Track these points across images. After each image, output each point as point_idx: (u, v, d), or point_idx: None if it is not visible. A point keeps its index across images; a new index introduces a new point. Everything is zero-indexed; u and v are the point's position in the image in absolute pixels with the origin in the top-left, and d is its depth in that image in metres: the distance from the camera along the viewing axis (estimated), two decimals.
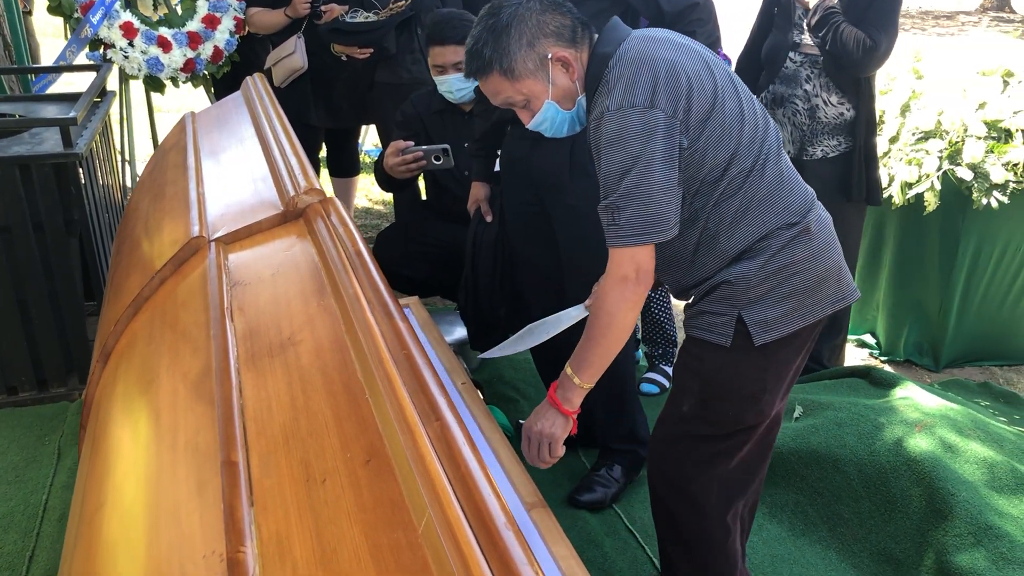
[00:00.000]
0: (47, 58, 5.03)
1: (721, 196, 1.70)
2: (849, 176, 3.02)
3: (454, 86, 2.92)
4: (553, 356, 2.30)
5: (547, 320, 2.07)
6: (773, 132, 1.77)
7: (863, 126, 2.99)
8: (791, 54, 3.03)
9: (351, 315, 1.40)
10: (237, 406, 1.27)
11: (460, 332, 3.31)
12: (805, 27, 2.98)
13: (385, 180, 3.03)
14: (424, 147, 2.78)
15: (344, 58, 3.79)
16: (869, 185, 3.06)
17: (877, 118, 3.11)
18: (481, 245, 2.80)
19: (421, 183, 3.65)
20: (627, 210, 1.63)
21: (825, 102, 2.99)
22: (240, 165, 2.13)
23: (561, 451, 1.82)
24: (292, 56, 3.79)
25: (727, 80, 1.71)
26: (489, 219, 2.76)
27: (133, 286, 1.84)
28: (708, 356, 1.80)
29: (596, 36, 1.75)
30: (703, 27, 2.54)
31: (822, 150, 3.04)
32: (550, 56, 1.70)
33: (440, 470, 1.02)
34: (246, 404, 1.28)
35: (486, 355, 2.20)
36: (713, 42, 2.59)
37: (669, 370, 3.34)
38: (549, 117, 1.77)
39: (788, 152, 3.06)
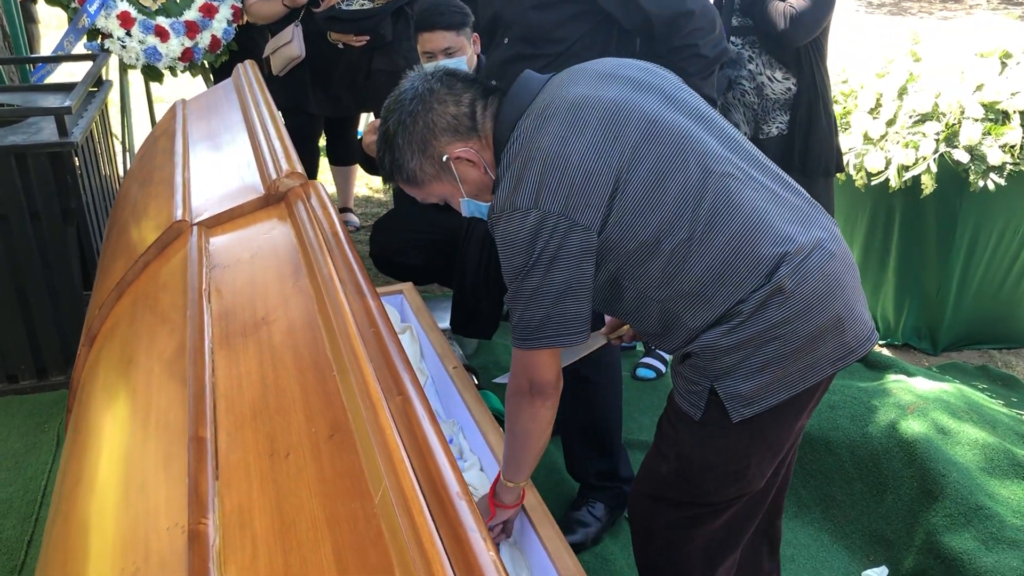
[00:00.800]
0: (48, 49, 5.06)
1: (664, 276, 1.47)
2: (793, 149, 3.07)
3: None
4: None
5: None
6: (717, 182, 1.46)
7: (803, 96, 3.03)
8: (732, 37, 3.08)
9: (324, 295, 1.41)
10: (209, 384, 1.29)
11: None
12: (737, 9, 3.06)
13: (365, 161, 3.01)
14: None
15: (341, 46, 3.81)
16: (816, 155, 3.09)
17: (827, 87, 3.12)
18: (471, 239, 2.80)
19: None
20: (516, 313, 1.50)
21: (770, 79, 3.05)
22: (227, 151, 2.15)
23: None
24: (290, 44, 3.80)
25: (644, 134, 1.46)
26: None
27: (118, 270, 1.86)
28: (683, 429, 1.59)
29: (504, 99, 1.56)
30: (705, 38, 2.37)
31: (776, 127, 3.10)
32: (446, 158, 1.53)
33: (399, 442, 1.03)
34: (218, 382, 1.29)
35: (498, 380, 2.06)
36: (720, 53, 2.41)
37: (667, 355, 3.35)
38: (474, 210, 1.61)
39: (744, 132, 3.10)
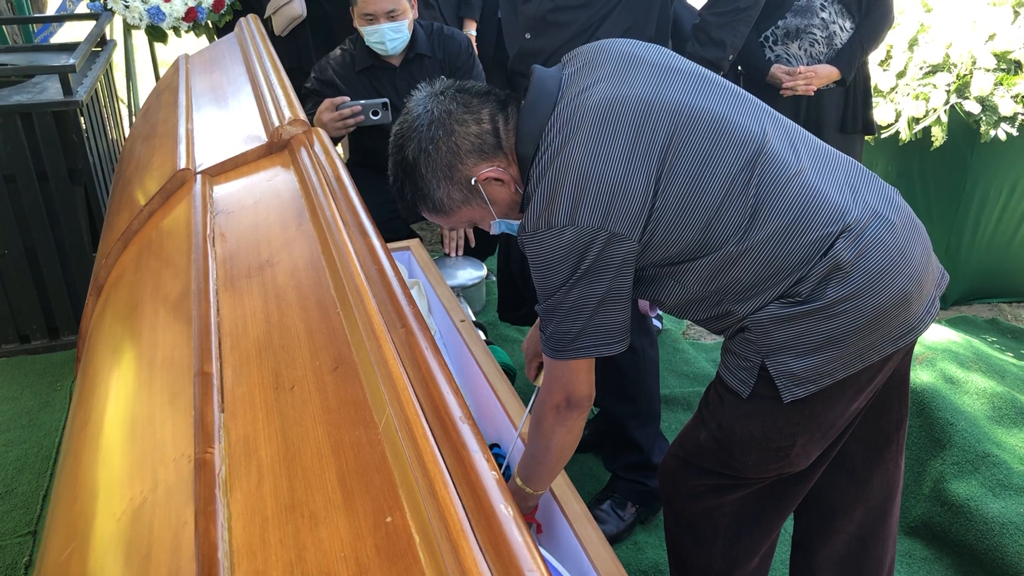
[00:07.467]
0: (52, 11, 5.04)
1: (716, 271, 1.41)
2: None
3: (387, 36, 2.77)
4: None
5: None
6: (761, 164, 1.39)
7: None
8: None
9: (327, 237, 1.41)
10: (214, 323, 1.29)
11: (461, 277, 3.32)
12: None
13: None
14: (362, 101, 2.60)
15: None
16: (869, 108, 3.06)
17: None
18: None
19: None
20: (550, 324, 1.43)
21: (841, 28, 2.97)
22: (230, 102, 2.14)
23: None
24: (291, 4, 3.77)
25: (679, 128, 1.38)
26: None
27: (123, 221, 1.86)
28: (730, 400, 1.51)
29: (522, 109, 1.45)
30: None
31: (835, 80, 3.02)
32: (474, 181, 1.44)
33: (402, 372, 1.04)
34: (223, 321, 1.30)
35: None
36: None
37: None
38: (505, 228, 1.54)
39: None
